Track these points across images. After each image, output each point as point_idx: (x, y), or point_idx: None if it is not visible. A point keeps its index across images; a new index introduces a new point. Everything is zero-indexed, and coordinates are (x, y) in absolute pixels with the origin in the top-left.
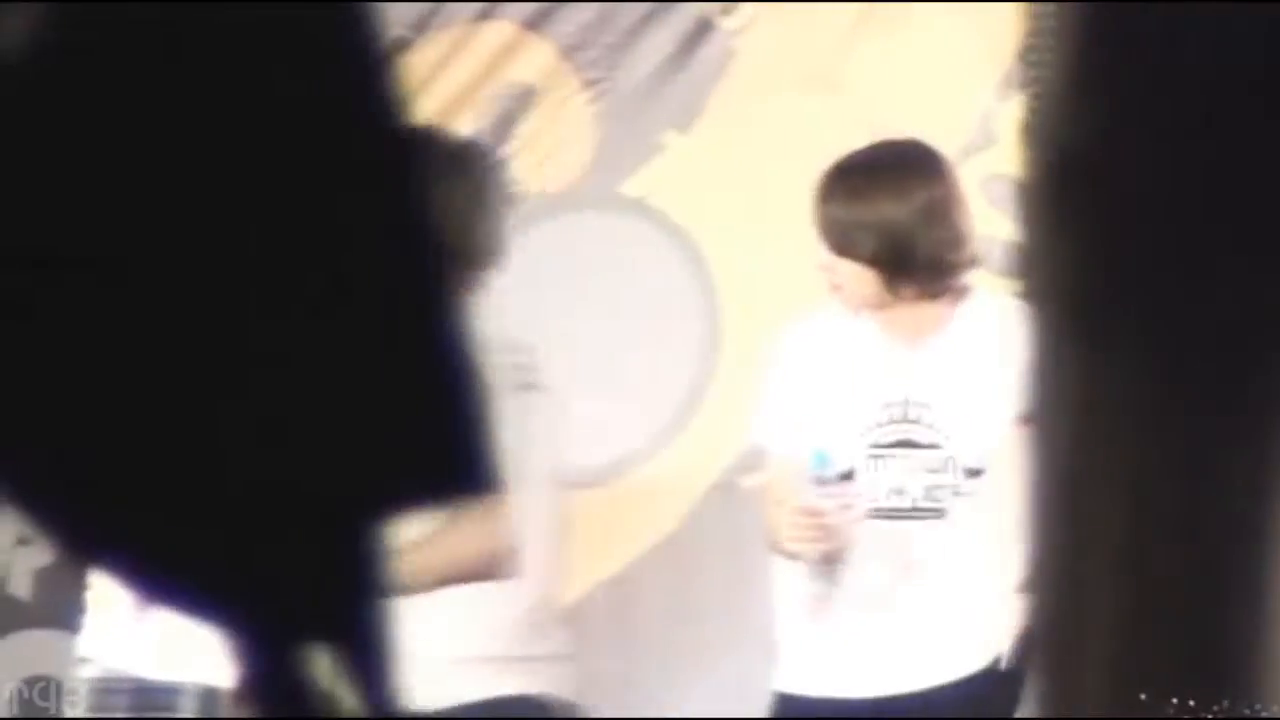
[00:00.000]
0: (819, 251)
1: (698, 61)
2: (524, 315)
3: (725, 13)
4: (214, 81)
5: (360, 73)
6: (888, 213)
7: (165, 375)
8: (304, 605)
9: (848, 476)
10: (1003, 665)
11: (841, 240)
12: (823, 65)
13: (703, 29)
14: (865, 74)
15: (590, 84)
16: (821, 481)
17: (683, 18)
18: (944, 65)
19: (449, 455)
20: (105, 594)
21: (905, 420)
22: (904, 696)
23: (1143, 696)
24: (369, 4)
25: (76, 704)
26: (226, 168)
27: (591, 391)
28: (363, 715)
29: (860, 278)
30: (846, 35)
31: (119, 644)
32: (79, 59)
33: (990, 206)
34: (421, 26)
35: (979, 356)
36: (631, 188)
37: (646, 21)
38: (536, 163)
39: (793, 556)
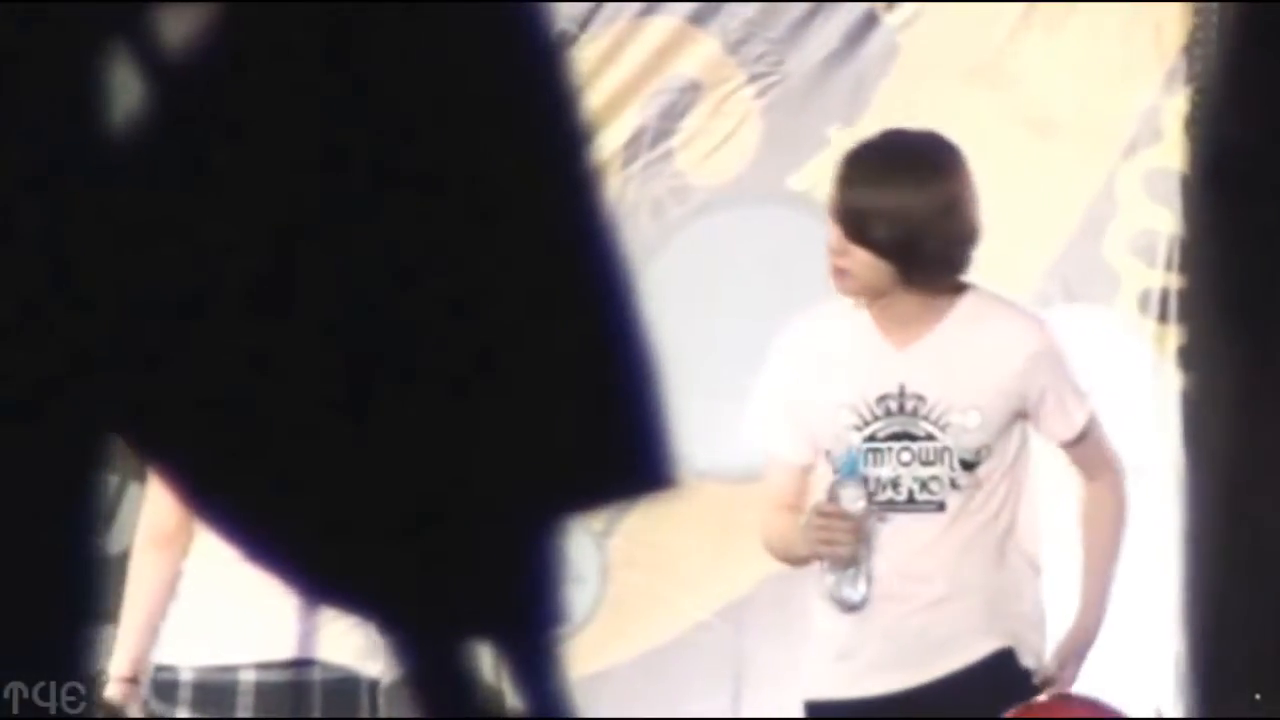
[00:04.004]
0: (830, 235)
1: (862, 56)
2: (690, 310)
3: (889, 8)
4: (386, 79)
5: (532, 68)
6: (907, 202)
7: (340, 375)
8: (470, 603)
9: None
10: (1007, 654)
11: (858, 225)
12: (987, 60)
13: (867, 24)
14: (1029, 69)
15: (755, 79)
16: (842, 484)
17: (847, 13)
18: (1108, 60)
19: (627, 451)
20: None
21: (901, 413)
22: (916, 689)
23: None
24: (538, 1)
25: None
26: (400, 167)
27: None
28: (525, 715)
29: (870, 266)
30: (1011, 30)
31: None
32: (247, 59)
33: (1153, 201)
34: (586, 22)
35: (975, 351)
36: (797, 182)
37: (811, 16)
38: (702, 157)
39: (808, 561)
